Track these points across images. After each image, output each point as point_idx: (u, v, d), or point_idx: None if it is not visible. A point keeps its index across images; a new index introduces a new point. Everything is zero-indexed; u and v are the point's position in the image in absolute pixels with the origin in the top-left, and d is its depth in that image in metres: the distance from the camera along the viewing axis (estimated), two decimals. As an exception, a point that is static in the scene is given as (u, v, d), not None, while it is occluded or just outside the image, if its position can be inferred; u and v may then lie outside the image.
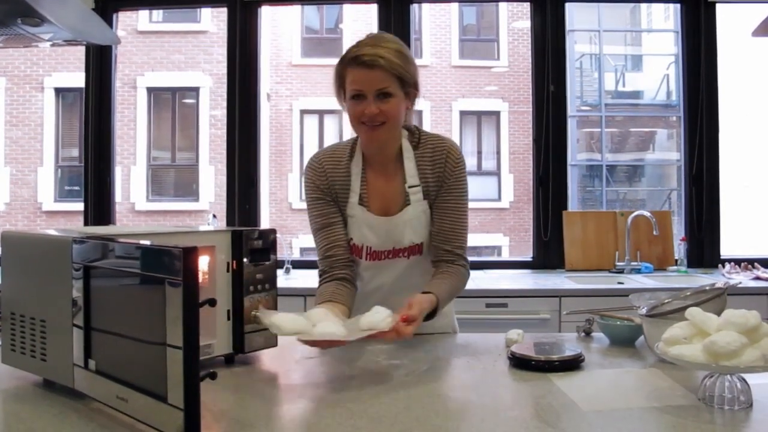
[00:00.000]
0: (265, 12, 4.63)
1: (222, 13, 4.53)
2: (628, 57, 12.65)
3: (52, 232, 1.40)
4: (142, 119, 11.46)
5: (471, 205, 1.86)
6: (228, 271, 1.50)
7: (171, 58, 11.47)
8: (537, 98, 4.13)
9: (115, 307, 1.18)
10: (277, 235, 1.64)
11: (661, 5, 11.23)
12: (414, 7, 4.21)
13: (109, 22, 4.17)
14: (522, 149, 12.09)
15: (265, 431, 1.15)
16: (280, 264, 3.83)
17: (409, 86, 1.70)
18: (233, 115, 4.19)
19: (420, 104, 1.85)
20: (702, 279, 3.70)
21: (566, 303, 3.28)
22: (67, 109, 11.49)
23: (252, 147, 4.21)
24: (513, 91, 12.52)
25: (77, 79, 6.32)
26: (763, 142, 8.52)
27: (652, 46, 12.54)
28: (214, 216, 4.24)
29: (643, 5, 12.07)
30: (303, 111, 12.50)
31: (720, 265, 3.95)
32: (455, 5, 12.15)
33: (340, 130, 12.39)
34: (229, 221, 4.19)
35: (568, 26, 4.29)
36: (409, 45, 4.06)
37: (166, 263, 1.03)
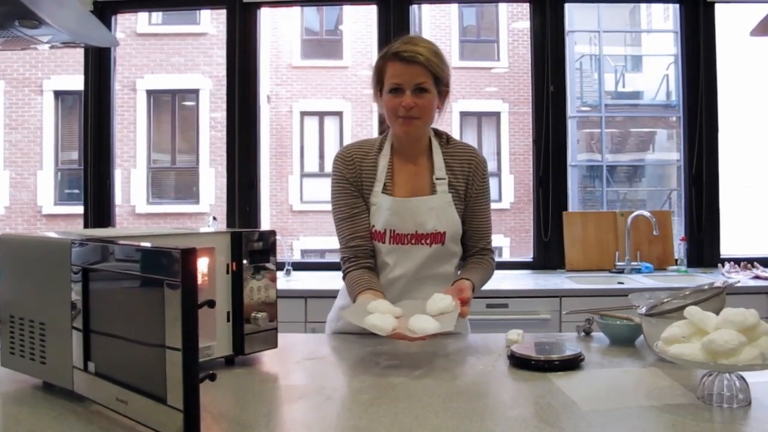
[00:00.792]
0: (265, 14, 4.64)
1: (221, 15, 4.53)
2: (628, 57, 12.65)
3: (51, 234, 1.40)
4: (141, 122, 11.46)
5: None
6: (228, 272, 1.50)
7: (170, 60, 11.47)
8: (537, 99, 4.13)
9: (114, 310, 1.18)
10: (278, 237, 1.64)
11: (661, 6, 11.24)
12: (414, 9, 4.21)
13: (108, 25, 4.18)
14: (522, 150, 12.09)
15: (264, 432, 1.15)
16: (280, 266, 3.83)
17: (442, 85, 1.82)
18: (233, 117, 4.19)
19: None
20: (702, 278, 3.70)
21: (566, 303, 3.28)
22: (66, 111, 11.49)
23: (252, 149, 4.21)
24: (513, 92, 12.52)
25: (76, 81, 6.31)
26: (762, 142, 8.52)
27: (651, 46, 12.53)
28: (215, 218, 4.25)
29: (643, 6, 12.06)
30: (303, 113, 12.49)
31: (720, 265, 3.95)
32: (455, 6, 12.16)
33: (341, 131, 12.39)
34: (230, 223, 4.19)
35: (567, 27, 4.29)
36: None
37: (165, 265, 1.03)
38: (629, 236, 3.96)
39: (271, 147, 12.01)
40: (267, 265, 1.56)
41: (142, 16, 10.97)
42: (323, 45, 12.72)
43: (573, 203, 8.78)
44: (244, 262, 1.51)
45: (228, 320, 1.51)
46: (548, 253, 4.10)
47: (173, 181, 11.93)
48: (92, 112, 4.23)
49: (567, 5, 4.17)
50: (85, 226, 4.27)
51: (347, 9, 12.11)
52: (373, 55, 7.31)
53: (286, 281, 3.73)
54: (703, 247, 4.08)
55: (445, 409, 1.23)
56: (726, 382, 1.21)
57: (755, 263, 3.84)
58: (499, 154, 12.63)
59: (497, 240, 11.74)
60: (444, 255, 1.89)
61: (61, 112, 11.47)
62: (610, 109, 12.06)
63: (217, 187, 11.15)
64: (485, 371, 1.51)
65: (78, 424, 1.16)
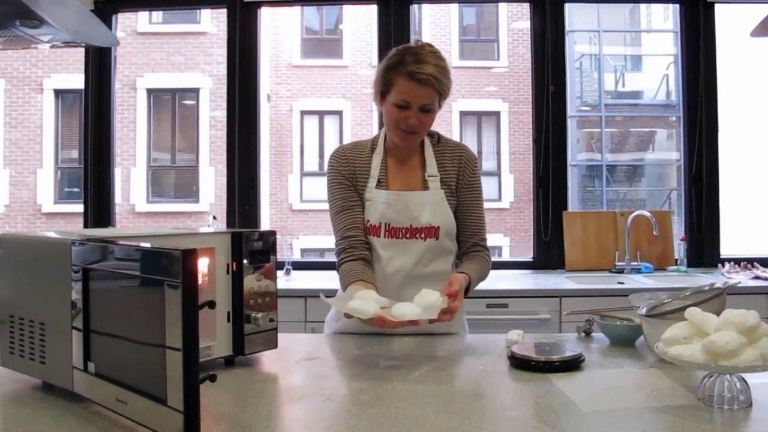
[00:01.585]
0: (265, 13, 4.64)
1: (222, 14, 4.53)
2: (628, 57, 12.64)
3: (51, 234, 1.40)
4: (141, 120, 11.46)
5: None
6: (228, 272, 1.50)
7: (171, 59, 11.47)
8: (537, 98, 4.13)
9: (114, 310, 1.18)
10: (278, 237, 1.64)
11: (661, 5, 11.23)
12: (414, 8, 4.21)
13: (109, 24, 4.18)
14: (522, 149, 12.09)
15: (264, 433, 1.15)
16: (280, 265, 3.83)
17: (444, 98, 1.85)
18: (233, 116, 4.19)
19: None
20: (702, 279, 3.70)
21: (566, 303, 3.28)
22: (66, 110, 11.49)
23: (252, 148, 4.21)
24: (513, 92, 12.52)
25: (77, 80, 6.32)
26: (762, 142, 8.51)
27: (651, 46, 12.53)
28: (215, 217, 4.25)
29: (643, 5, 12.05)
30: (303, 112, 12.49)
31: (720, 265, 3.96)
32: (455, 6, 12.16)
33: (341, 130, 12.39)
34: (230, 222, 4.19)
35: (567, 27, 4.29)
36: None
37: (165, 265, 1.02)
38: (629, 236, 3.96)
39: (271, 146, 12.01)
40: (267, 264, 1.56)
41: (143, 15, 10.97)
42: (323, 44, 12.72)
43: (573, 203, 8.79)
44: (245, 262, 1.51)
45: (228, 320, 1.51)
46: (548, 252, 4.10)
47: (173, 180, 11.93)
48: (92, 110, 4.23)
49: (567, 5, 4.17)
50: (85, 224, 4.27)
51: (347, 8, 12.10)
52: (373, 55, 7.30)
53: (286, 281, 3.73)
54: (703, 247, 4.08)
55: (444, 410, 1.23)
56: (726, 383, 1.21)
57: (755, 263, 3.84)
58: (499, 153, 12.63)
59: (497, 240, 11.76)
60: (439, 251, 1.91)
61: (62, 110, 11.46)
62: (610, 108, 12.07)
63: (216, 185, 11.15)
64: (485, 372, 1.51)
65: (78, 425, 1.16)
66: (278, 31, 12.30)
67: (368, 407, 1.25)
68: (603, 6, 11.40)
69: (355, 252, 1.86)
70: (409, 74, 1.76)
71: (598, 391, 1.34)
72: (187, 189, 11.75)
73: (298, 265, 4.07)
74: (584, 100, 12.07)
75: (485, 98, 12.58)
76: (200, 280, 1.38)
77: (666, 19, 11.93)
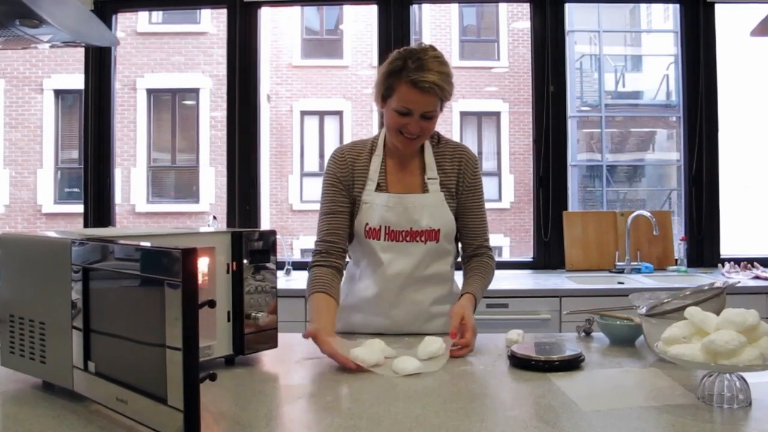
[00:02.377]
0: (265, 13, 4.64)
1: (222, 14, 4.53)
2: (628, 57, 12.64)
3: (51, 234, 1.40)
4: (142, 121, 11.46)
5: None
6: (228, 272, 1.50)
7: (171, 59, 11.47)
8: (537, 99, 4.13)
9: (114, 309, 1.18)
10: (278, 237, 1.64)
11: (661, 6, 11.23)
12: (414, 8, 4.21)
13: (109, 24, 4.17)
14: (522, 150, 12.09)
15: (264, 432, 1.15)
16: (280, 265, 3.83)
17: (445, 102, 1.83)
18: (233, 116, 4.19)
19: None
20: (702, 278, 3.70)
21: (566, 303, 3.28)
22: (66, 110, 11.49)
23: (252, 148, 4.21)
24: (513, 92, 12.52)
25: (77, 80, 6.32)
26: (762, 142, 8.51)
27: (651, 46, 12.53)
28: (215, 217, 4.25)
29: (643, 6, 12.06)
30: (303, 112, 12.49)
31: (720, 265, 3.95)
32: (455, 6, 12.16)
33: (341, 130, 12.39)
34: (230, 223, 4.19)
35: (567, 27, 4.29)
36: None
37: (165, 265, 1.03)
38: (629, 236, 3.96)
39: (271, 146, 12.01)
40: (267, 264, 1.56)
41: (143, 15, 10.97)
42: (323, 44, 12.72)
43: (573, 203, 8.79)
44: (245, 261, 1.51)
45: (228, 320, 1.51)
46: (548, 252, 4.10)
47: (173, 180, 11.93)
48: (92, 110, 4.23)
49: (567, 5, 4.17)
50: (85, 224, 4.27)
51: (347, 8, 12.10)
52: (374, 55, 7.29)
53: (286, 281, 3.73)
54: (703, 247, 4.08)
55: (445, 410, 1.23)
56: (726, 382, 1.21)
57: (755, 263, 3.84)
58: (499, 153, 12.63)
59: (497, 240, 11.76)
60: (439, 253, 1.91)
61: (62, 110, 11.46)
62: (610, 108, 12.06)
63: (217, 186, 11.15)
64: (485, 371, 1.51)
65: (78, 424, 1.16)
66: (278, 31, 12.30)
67: (368, 407, 1.25)
68: (603, 6, 11.40)
69: (329, 259, 1.87)
70: (412, 82, 1.73)
71: (598, 390, 1.34)
72: (188, 189, 11.75)
73: (298, 265, 4.07)
74: (584, 101, 12.07)
75: (485, 98, 12.58)
76: (200, 279, 1.38)
77: (666, 19, 11.94)
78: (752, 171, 8.24)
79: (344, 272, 1.95)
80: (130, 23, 11.08)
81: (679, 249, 3.97)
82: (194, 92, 11.58)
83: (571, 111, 6.36)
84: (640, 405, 1.23)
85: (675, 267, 3.94)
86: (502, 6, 12.65)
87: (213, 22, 11.32)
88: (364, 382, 1.42)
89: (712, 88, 4.09)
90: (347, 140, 11.77)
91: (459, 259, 2.05)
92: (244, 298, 1.51)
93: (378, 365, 1.50)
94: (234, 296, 1.51)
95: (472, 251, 1.96)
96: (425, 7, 11.66)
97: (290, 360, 1.65)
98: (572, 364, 1.49)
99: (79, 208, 4.48)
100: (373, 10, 4.25)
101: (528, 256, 4.28)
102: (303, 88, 12.48)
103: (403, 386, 1.38)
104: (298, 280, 3.74)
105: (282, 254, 3.63)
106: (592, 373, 1.48)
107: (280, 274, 3.79)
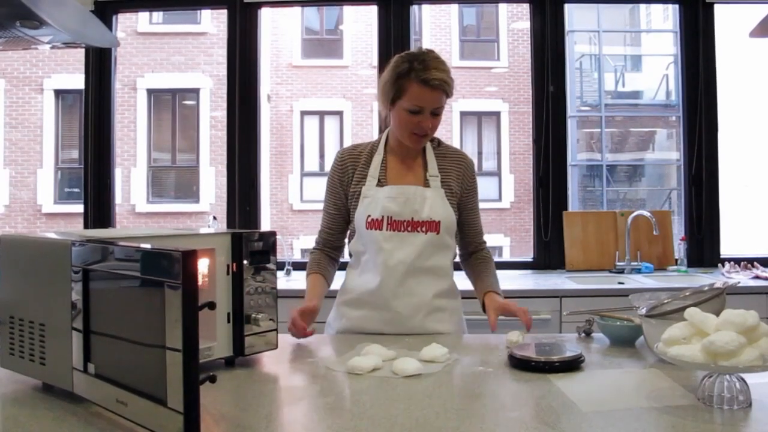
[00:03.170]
0: (265, 13, 4.64)
1: (222, 14, 4.53)
2: (628, 57, 12.65)
3: (51, 234, 1.40)
4: (142, 121, 11.46)
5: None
6: (228, 273, 1.50)
7: (171, 59, 11.47)
8: (537, 99, 4.13)
9: (114, 311, 1.18)
10: (278, 237, 1.64)
11: (660, 6, 11.23)
12: (414, 8, 4.21)
13: (109, 24, 4.17)
14: (522, 150, 12.09)
15: (264, 433, 1.15)
16: (280, 266, 3.82)
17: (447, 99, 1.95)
18: (233, 116, 4.19)
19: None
20: (702, 278, 3.70)
21: (566, 303, 3.28)
22: (66, 110, 11.49)
23: (252, 148, 4.21)
24: (513, 92, 12.52)
25: (77, 80, 6.31)
26: (762, 141, 8.52)
27: (651, 46, 12.54)
28: (215, 218, 4.25)
29: (642, 6, 12.06)
30: (303, 112, 12.49)
31: (720, 265, 3.95)
32: (455, 6, 12.16)
33: (341, 130, 12.39)
34: (230, 223, 4.19)
35: (567, 27, 4.29)
36: (409, 46, 4.07)
37: (166, 266, 1.02)
38: (629, 236, 3.96)
39: (271, 146, 12.01)
40: (267, 265, 1.56)
41: (143, 15, 10.97)
42: (323, 44, 12.72)
43: (573, 203, 8.80)
44: (245, 262, 1.51)
45: (228, 321, 1.51)
46: (548, 253, 4.10)
47: (173, 180, 11.93)
48: (93, 110, 4.23)
49: (567, 5, 4.17)
50: (85, 224, 4.27)
51: (347, 9, 12.11)
52: (374, 55, 7.28)
53: (286, 281, 3.73)
54: (703, 247, 4.08)
55: (445, 411, 1.23)
56: (726, 383, 1.21)
57: (755, 263, 3.84)
58: (499, 153, 12.63)
59: (498, 240, 11.78)
60: (440, 246, 1.96)
61: (62, 110, 11.46)
62: (610, 108, 12.07)
63: (217, 186, 11.15)
64: (485, 372, 1.51)
65: (77, 426, 1.16)
66: (278, 32, 12.30)
67: (368, 408, 1.25)
68: (603, 6, 11.41)
69: (325, 249, 2.08)
70: (423, 81, 1.84)
71: (598, 391, 1.34)
72: (188, 189, 11.75)
73: (299, 266, 4.07)
74: (584, 100, 12.08)
75: (485, 98, 12.58)
76: (200, 281, 1.38)
77: (666, 19, 11.94)
78: (752, 171, 8.25)
79: (337, 263, 2.12)
80: (130, 23, 11.08)
81: (679, 249, 3.97)
82: (194, 92, 11.59)
83: (570, 111, 6.38)
84: (640, 406, 1.23)
85: (675, 267, 3.94)
86: (502, 6, 12.66)
87: (213, 22, 11.32)
88: (364, 384, 1.42)
89: (711, 88, 4.09)
90: (347, 140, 11.81)
91: (457, 259, 2.09)
92: (244, 299, 1.51)
93: (377, 369, 1.50)
94: (234, 297, 1.51)
95: (476, 247, 2.11)
96: (425, 7, 11.65)
97: (291, 361, 1.65)
98: (572, 364, 1.49)
99: (79, 208, 4.47)
100: (373, 10, 4.25)
101: (528, 256, 4.27)
102: (303, 88, 12.48)
103: (404, 387, 1.38)
104: (299, 281, 3.73)
105: (282, 255, 3.63)
106: (593, 373, 1.48)
107: (280, 274, 3.79)
